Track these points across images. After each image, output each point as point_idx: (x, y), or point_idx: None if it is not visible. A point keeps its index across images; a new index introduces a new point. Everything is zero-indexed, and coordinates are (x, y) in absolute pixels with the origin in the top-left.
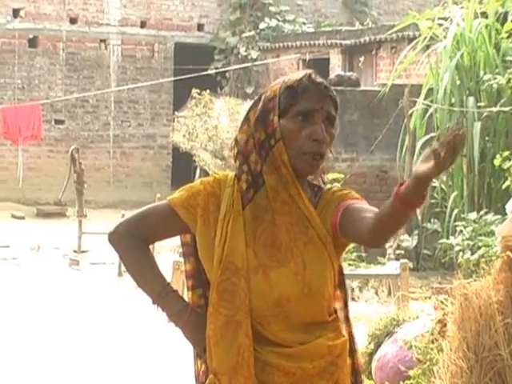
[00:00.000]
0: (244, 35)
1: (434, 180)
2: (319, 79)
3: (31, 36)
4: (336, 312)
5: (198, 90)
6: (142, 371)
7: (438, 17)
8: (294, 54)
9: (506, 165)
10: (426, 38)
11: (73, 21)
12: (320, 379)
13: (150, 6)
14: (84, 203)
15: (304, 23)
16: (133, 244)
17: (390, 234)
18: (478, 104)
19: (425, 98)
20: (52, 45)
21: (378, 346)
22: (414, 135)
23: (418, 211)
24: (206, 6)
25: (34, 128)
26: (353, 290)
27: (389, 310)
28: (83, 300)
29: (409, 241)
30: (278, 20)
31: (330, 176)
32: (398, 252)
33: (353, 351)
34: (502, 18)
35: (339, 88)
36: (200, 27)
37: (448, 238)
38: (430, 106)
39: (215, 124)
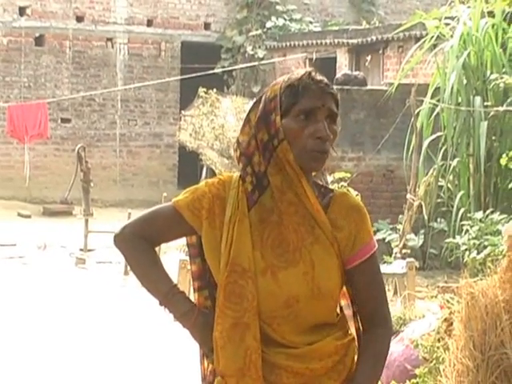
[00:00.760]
0: (251, 34)
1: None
2: (319, 77)
3: (37, 34)
4: (342, 310)
5: (204, 89)
6: (147, 370)
7: (445, 16)
8: (301, 53)
9: None
10: (432, 37)
11: (79, 19)
12: (328, 379)
13: (157, 5)
14: (90, 202)
15: (311, 22)
16: (138, 246)
17: None
18: (485, 103)
19: (431, 98)
20: (58, 43)
21: None
22: (421, 134)
23: (425, 211)
24: (212, 5)
25: (41, 126)
26: None
27: (395, 308)
28: (89, 299)
29: (415, 240)
30: (285, 19)
31: (337, 175)
32: (404, 251)
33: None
34: (509, 18)
35: (346, 87)
36: (207, 26)
37: (454, 238)
38: (437, 106)
39: (222, 123)
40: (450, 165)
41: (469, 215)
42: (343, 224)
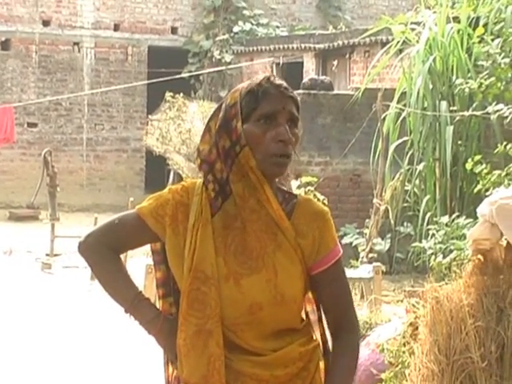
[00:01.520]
0: (218, 39)
1: (406, 184)
2: (279, 81)
3: (3, 38)
4: (307, 316)
5: (171, 94)
6: (112, 375)
7: (411, 21)
8: (268, 57)
9: (478, 169)
10: (398, 42)
11: (46, 23)
12: None
13: (124, 9)
14: (57, 206)
15: (278, 27)
16: (103, 254)
17: None
18: (451, 108)
19: (398, 102)
20: (25, 47)
21: None
22: (387, 139)
23: (392, 215)
24: (179, 10)
25: (7, 131)
26: None
27: (361, 313)
28: (55, 304)
29: (382, 244)
30: (252, 24)
31: (304, 179)
32: (370, 255)
33: (327, 354)
34: (474, 23)
35: (313, 92)
36: (174, 30)
37: (421, 242)
38: (403, 110)
39: (189, 127)
40: (417, 169)
41: (435, 219)
42: (307, 230)
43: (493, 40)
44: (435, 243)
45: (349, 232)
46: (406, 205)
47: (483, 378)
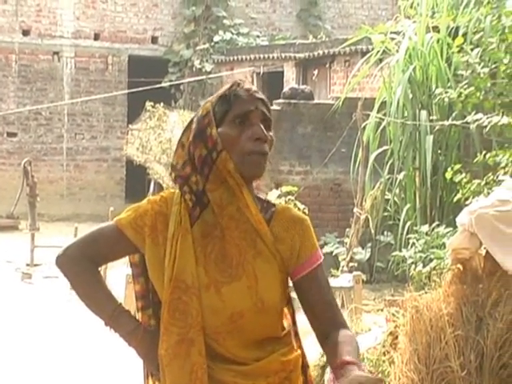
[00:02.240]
0: (198, 48)
1: (386, 193)
2: (248, 85)
3: None
4: (291, 325)
5: (151, 103)
6: None
7: (391, 31)
8: (249, 66)
9: (458, 178)
10: (378, 51)
11: (25, 33)
12: None
13: (104, 19)
14: (37, 216)
15: (258, 36)
16: (81, 267)
17: None
18: (431, 117)
19: (378, 112)
20: (4, 57)
21: None
22: (368, 148)
23: (372, 224)
24: (160, 19)
25: None
26: None
27: None
28: (35, 314)
29: (362, 253)
30: (232, 33)
31: (284, 189)
32: (351, 264)
33: (305, 367)
34: (454, 33)
35: (293, 101)
36: (154, 40)
37: (401, 251)
38: (383, 120)
39: (169, 137)
40: (397, 178)
41: (415, 228)
42: (285, 236)
43: (472, 50)
44: (415, 252)
45: (329, 241)
46: (386, 214)
47: None
